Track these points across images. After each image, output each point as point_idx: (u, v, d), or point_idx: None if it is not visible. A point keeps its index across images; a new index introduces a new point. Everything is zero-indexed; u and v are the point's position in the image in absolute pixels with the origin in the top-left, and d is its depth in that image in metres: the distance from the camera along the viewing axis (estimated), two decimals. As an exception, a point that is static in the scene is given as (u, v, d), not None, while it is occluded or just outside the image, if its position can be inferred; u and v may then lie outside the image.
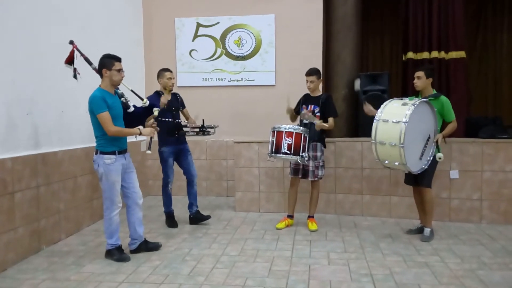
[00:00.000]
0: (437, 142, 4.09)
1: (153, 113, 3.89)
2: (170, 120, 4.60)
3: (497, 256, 3.77)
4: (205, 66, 6.45)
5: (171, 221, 4.87)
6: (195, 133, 4.68)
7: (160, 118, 4.42)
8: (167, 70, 4.73)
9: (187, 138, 4.84)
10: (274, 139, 4.42)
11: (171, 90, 4.75)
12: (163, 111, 4.49)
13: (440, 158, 4.08)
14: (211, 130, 4.74)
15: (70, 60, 3.78)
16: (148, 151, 3.91)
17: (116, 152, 3.67)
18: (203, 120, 4.70)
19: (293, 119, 4.81)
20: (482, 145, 4.87)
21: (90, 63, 3.79)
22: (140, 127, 3.83)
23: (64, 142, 4.41)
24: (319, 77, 4.67)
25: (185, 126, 4.72)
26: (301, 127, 4.44)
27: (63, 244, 4.22)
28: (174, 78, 4.77)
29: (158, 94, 4.64)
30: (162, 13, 6.57)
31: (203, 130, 4.67)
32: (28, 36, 3.89)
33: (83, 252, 3.99)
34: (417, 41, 6.46)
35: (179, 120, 4.74)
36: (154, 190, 6.62)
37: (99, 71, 3.66)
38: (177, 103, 4.80)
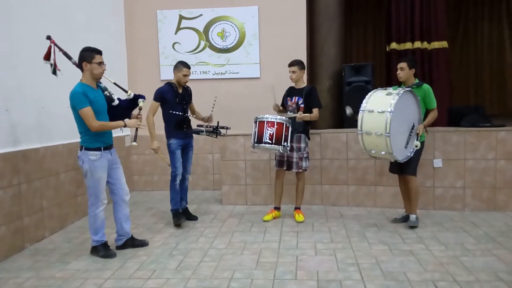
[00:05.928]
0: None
1: (138, 104, 3.82)
2: (180, 113, 4.52)
3: (480, 243, 3.85)
4: (188, 59, 6.34)
5: (178, 219, 4.55)
6: (207, 133, 4.59)
7: (170, 111, 4.44)
8: (186, 65, 4.56)
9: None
10: (257, 129, 4.40)
11: (184, 86, 4.65)
12: (173, 104, 4.47)
13: (416, 146, 4.13)
14: (223, 131, 4.67)
15: (48, 56, 3.68)
16: (134, 143, 3.82)
17: (102, 148, 3.61)
18: (218, 122, 4.63)
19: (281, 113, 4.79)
20: (465, 134, 4.94)
21: (69, 58, 3.71)
22: (126, 119, 3.76)
23: (46, 138, 4.32)
24: (302, 68, 4.67)
25: (201, 126, 4.65)
26: (284, 117, 4.43)
27: (47, 242, 4.15)
28: (190, 75, 4.59)
29: (170, 85, 4.55)
30: (144, 5, 6.47)
31: (216, 132, 4.60)
32: (4, 31, 3.78)
33: (68, 249, 3.94)
34: (400, 32, 6.51)
35: (188, 114, 4.64)
36: (139, 185, 6.57)
37: (79, 64, 3.57)
38: (188, 97, 4.70)
